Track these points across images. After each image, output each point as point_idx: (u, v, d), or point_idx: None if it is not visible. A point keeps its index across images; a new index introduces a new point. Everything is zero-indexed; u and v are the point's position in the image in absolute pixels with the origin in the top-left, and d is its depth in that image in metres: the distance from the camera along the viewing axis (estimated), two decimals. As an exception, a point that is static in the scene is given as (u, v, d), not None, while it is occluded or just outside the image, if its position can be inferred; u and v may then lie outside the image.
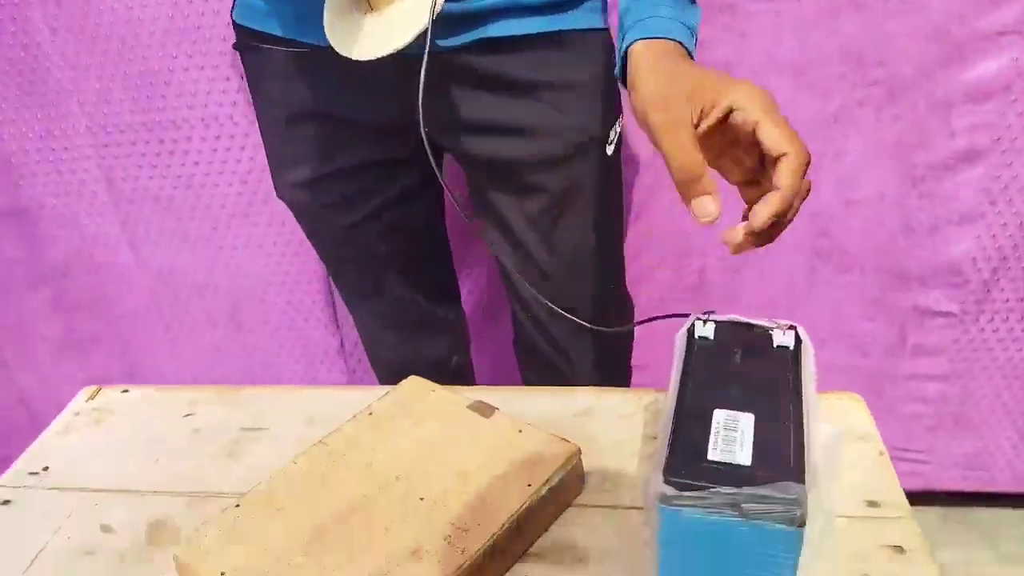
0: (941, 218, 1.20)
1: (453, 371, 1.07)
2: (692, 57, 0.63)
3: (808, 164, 0.54)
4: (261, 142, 1.22)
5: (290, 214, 1.30)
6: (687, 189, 0.55)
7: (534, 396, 0.74)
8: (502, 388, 0.75)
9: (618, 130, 0.85)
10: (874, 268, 1.26)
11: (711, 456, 0.46)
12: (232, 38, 0.85)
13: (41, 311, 1.45)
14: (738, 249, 0.56)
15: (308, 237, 0.97)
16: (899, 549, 0.56)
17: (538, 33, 0.75)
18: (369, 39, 0.65)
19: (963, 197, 1.18)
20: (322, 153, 0.84)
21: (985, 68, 1.09)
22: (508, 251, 0.88)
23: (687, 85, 0.57)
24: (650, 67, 0.60)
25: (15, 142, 1.28)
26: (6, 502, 0.68)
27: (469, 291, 1.06)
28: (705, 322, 0.57)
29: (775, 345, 0.53)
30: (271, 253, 1.34)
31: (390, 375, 1.05)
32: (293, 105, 0.82)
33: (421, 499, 0.57)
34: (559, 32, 0.76)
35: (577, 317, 0.75)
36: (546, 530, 0.59)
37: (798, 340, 0.55)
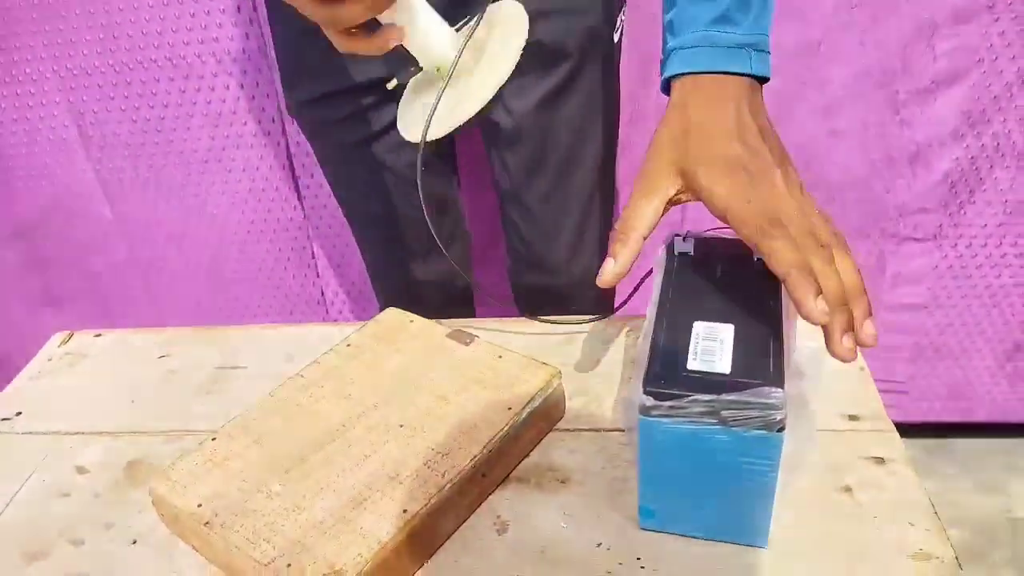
0: (921, 143, 1.19)
1: (458, 295, 1.06)
2: (753, 73, 0.57)
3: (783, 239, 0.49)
4: (229, 84, 1.21)
5: (264, 161, 1.29)
6: (618, 236, 0.54)
7: (515, 325, 0.73)
8: (482, 320, 0.74)
9: (623, 19, 0.84)
10: (856, 199, 1.26)
11: (691, 366, 0.45)
12: None
13: (16, 266, 1.43)
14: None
15: (320, 162, 0.97)
16: (880, 460, 0.56)
17: None
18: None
19: (943, 121, 1.17)
20: (336, 67, 0.83)
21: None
22: (506, 143, 0.88)
23: (680, 153, 0.54)
24: (674, 112, 0.57)
25: (-21, 89, 1.25)
26: (-21, 448, 0.67)
27: (473, 214, 1.05)
28: (685, 238, 0.56)
29: (756, 258, 0.52)
30: (247, 200, 1.32)
31: (395, 301, 1.04)
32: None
33: (400, 426, 0.56)
34: None
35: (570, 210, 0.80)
36: (528, 454, 0.59)
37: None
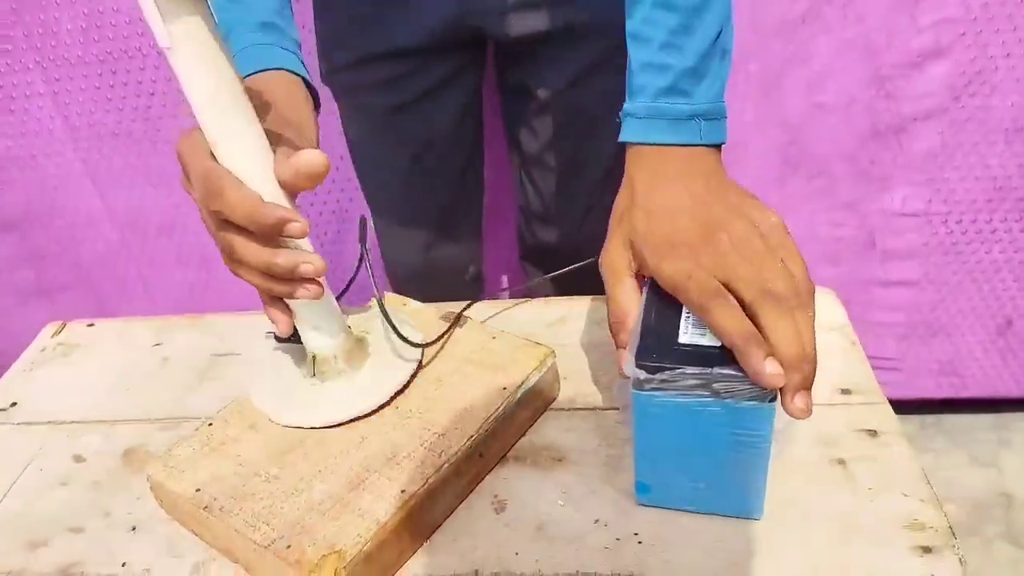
0: (907, 117, 1.19)
1: (469, 280, 1.07)
2: (705, 143, 0.55)
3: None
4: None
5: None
6: (616, 328, 0.53)
7: (507, 308, 0.74)
8: (476, 303, 0.74)
9: None
10: (844, 174, 1.26)
11: (682, 340, 0.46)
12: None
13: (6, 258, 1.42)
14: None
15: (346, 132, 0.98)
16: (872, 433, 0.56)
17: None
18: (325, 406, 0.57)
19: (928, 94, 1.17)
20: (375, 32, 0.84)
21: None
22: (536, 112, 0.90)
23: (631, 229, 0.54)
24: (625, 183, 0.57)
25: (-39, 80, 1.23)
26: (-25, 439, 0.67)
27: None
28: None
29: None
30: (236, 187, 1.31)
31: (407, 284, 1.07)
32: None
33: (396, 407, 0.56)
34: None
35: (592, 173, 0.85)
36: (523, 434, 0.59)
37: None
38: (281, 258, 0.49)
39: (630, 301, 0.52)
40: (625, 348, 0.51)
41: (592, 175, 0.94)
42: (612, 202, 0.88)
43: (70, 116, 1.25)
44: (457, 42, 0.87)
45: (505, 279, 1.43)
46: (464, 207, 1.03)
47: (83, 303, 1.47)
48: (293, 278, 0.50)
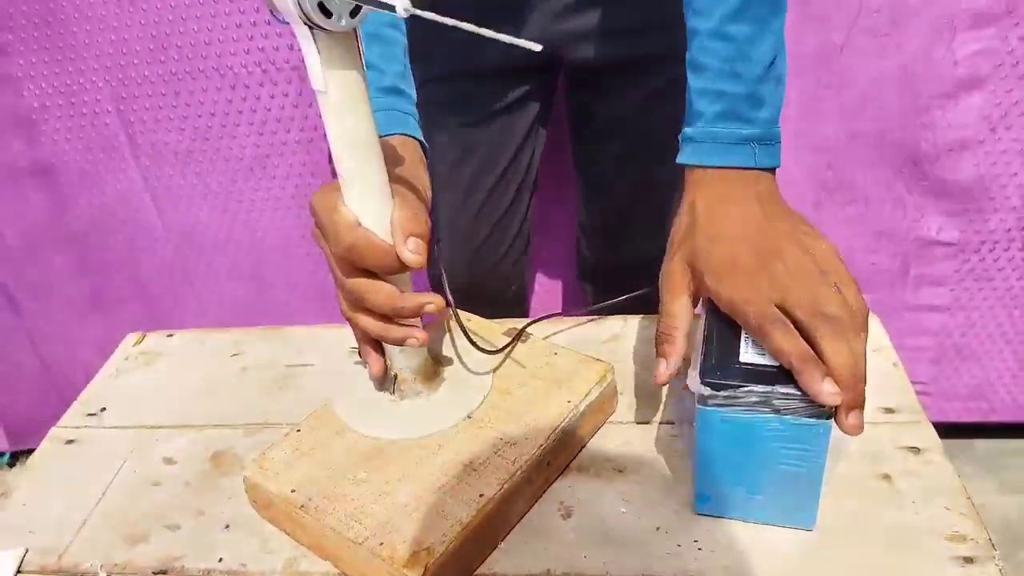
0: (942, 147, 1.22)
1: (512, 298, 1.11)
2: (760, 167, 0.59)
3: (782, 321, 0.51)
4: (275, 93, 1.26)
5: (307, 168, 1.33)
6: (656, 346, 0.56)
7: (565, 324, 0.78)
8: (534, 320, 0.78)
9: None
10: (878, 200, 1.29)
11: (743, 359, 0.50)
12: None
13: (66, 272, 1.48)
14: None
15: None
16: (915, 450, 0.60)
17: None
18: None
19: (964, 125, 1.20)
20: (461, 50, 0.89)
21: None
22: (604, 136, 0.95)
23: (691, 251, 0.57)
24: (684, 206, 0.60)
25: (36, 99, 1.29)
26: (69, 441, 0.72)
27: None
28: None
29: None
30: (290, 207, 1.37)
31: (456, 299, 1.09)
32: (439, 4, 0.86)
33: (468, 417, 0.61)
34: None
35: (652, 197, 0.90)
36: (584, 445, 0.63)
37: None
38: (408, 302, 0.55)
39: (683, 316, 0.56)
40: (666, 358, 0.55)
41: (655, 198, 0.98)
42: (670, 218, 0.92)
43: (134, 134, 1.32)
44: (532, 66, 0.91)
45: (549, 296, 1.47)
46: (516, 225, 1.07)
47: (137, 318, 1.53)
48: (418, 315, 0.55)
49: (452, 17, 0.42)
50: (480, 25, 0.42)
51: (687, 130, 0.61)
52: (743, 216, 0.57)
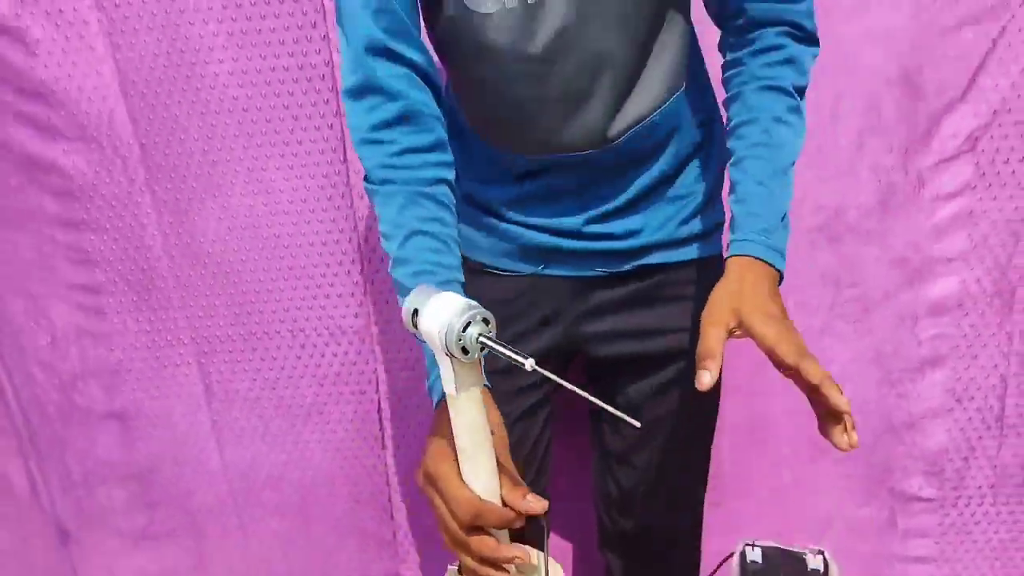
0: (916, 415, 1.42)
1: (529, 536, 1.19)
2: (778, 268, 0.82)
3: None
4: (336, 352, 1.45)
5: (358, 415, 1.50)
6: (700, 362, 0.74)
7: None
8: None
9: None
10: (865, 461, 1.46)
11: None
12: None
13: (123, 506, 1.60)
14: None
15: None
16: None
17: (691, 259, 0.98)
18: None
19: (933, 396, 1.40)
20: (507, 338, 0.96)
21: (940, 288, 1.35)
22: (613, 422, 1.06)
23: (738, 303, 0.77)
24: (732, 277, 0.81)
25: (123, 352, 1.48)
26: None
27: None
28: (753, 547, 0.76)
29: (809, 568, 0.70)
30: (339, 448, 1.52)
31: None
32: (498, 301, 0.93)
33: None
34: (704, 257, 0.99)
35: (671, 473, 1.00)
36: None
37: (826, 564, 0.74)
38: (506, 552, 0.69)
39: (720, 343, 0.74)
40: (709, 371, 0.72)
41: (672, 471, 1.06)
42: (689, 491, 1.08)
43: (210, 383, 1.49)
44: (551, 357, 1.01)
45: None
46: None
47: (184, 551, 1.62)
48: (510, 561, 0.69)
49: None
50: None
51: (732, 235, 0.83)
52: (772, 291, 0.80)
